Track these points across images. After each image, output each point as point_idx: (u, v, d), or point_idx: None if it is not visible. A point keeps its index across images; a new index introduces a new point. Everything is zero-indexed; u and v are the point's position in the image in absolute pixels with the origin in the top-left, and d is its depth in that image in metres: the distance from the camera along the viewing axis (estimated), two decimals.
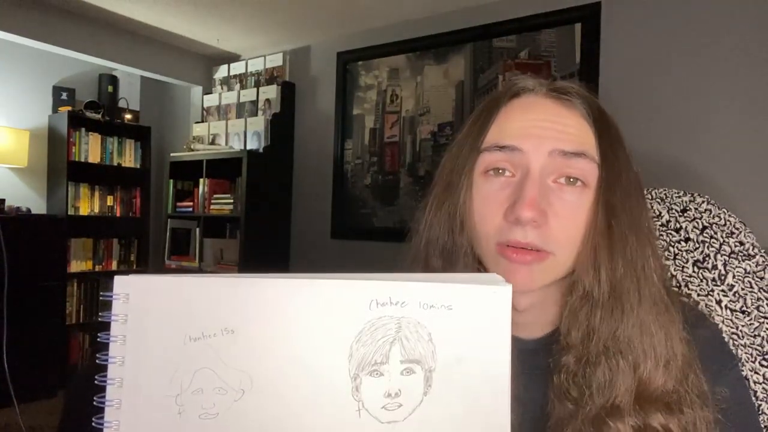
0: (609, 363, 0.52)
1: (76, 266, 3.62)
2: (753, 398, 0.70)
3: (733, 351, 0.70)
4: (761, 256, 0.76)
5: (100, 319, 0.40)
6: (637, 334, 0.52)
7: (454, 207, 0.58)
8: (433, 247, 0.60)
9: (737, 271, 0.75)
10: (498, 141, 0.57)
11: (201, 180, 3.42)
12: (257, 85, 3.59)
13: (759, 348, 0.73)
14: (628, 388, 0.51)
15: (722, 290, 0.75)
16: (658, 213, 0.79)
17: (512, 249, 0.54)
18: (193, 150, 3.55)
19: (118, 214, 3.84)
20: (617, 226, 0.53)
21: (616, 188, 0.55)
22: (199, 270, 3.37)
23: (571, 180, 0.55)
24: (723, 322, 0.74)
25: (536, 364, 0.57)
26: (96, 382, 0.39)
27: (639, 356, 0.52)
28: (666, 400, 0.51)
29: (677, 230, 0.78)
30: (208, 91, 3.84)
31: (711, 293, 0.75)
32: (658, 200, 0.80)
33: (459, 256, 0.58)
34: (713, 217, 0.77)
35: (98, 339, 0.40)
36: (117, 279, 0.40)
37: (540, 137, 0.55)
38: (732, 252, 0.76)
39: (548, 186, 0.55)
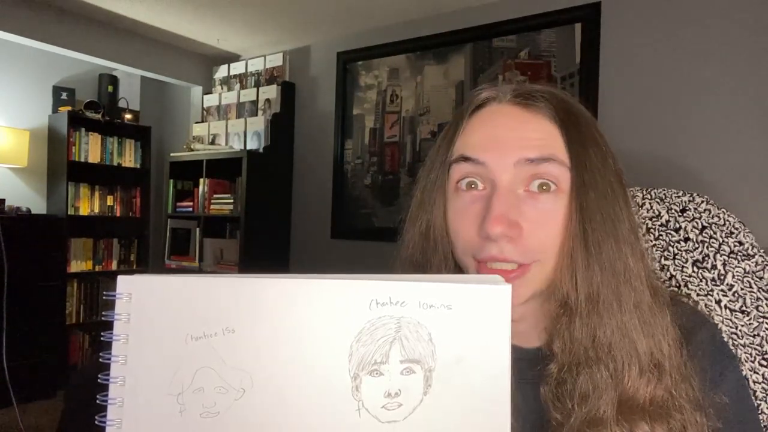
0: (589, 372, 0.51)
1: (76, 266, 3.61)
2: (753, 398, 0.70)
3: (733, 351, 0.71)
4: (760, 255, 0.76)
5: (102, 318, 0.40)
6: (618, 341, 0.51)
7: (428, 223, 0.58)
8: (410, 265, 0.60)
9: (736, 271, 0.75)
10: (463, 153, 0.57)
11: (201, 180, 3.42)
12: (257, 85, 3.59)
13: (758, 348, 0.73)
14: (610, 400, 0.50)
15: (722, 290, 0.75)
16: (657, 213, 0.80)
17: (493, 270, 0.53)
18: (193, 150, 3.55)
19: (118, 214, 3.84)
20: (592, 231, 0.52)
21: (590, 190, 0.53)
22: (199, 270, 3.36)
23: (544, 186, 0.54)
24: (722, 321, 0.74)
25: (534, 373, 0.56)
26: (98, 380, 0.39)
27: (621, 365, 0.51)
28: (653, 407, 0.50)
29: (676, 230, 0.78)
30: (208, 91, 3.84)
31: (710, 293, 0.75)
32: (658, 200, 0.80)
33: (435, 272, 0.58)
34: (712, 217, 0.77)
35: (101, 338, 0.40)
36: (120, 278, 0.40)
37: (502, 148, 0.54)
38: (731, 252, 0.76)
39: (519, 196, 0.54)
